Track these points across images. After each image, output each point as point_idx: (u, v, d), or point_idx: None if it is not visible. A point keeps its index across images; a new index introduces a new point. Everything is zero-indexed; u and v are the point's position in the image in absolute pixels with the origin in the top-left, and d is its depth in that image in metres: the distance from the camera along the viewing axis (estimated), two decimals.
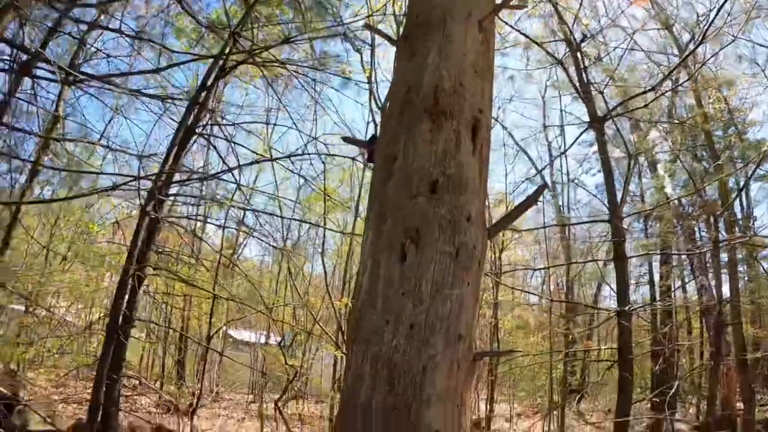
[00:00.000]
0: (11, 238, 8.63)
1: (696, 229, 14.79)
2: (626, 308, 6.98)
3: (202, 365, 11.47)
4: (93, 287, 11.26)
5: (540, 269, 11.80)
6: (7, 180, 10.46)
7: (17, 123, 8.44)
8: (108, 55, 8.65)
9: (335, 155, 8.23)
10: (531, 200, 2.69)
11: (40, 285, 9.37)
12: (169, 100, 7.24)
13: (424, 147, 2.49)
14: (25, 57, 7.81)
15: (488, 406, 14.06)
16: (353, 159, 8.15)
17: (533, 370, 16.53)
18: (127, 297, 6.13)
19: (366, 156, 2.72)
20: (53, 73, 8.70)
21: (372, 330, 2.30)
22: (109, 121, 9.05)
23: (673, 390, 10.76)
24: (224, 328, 14.37)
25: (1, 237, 8.97)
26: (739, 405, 11.42)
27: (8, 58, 7.76)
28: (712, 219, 12.30)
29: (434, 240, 2.29)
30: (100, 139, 8.49)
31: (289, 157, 7.14)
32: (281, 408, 7.91)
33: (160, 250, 7.88)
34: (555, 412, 13.07)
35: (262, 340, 14.65)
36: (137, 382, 12.13)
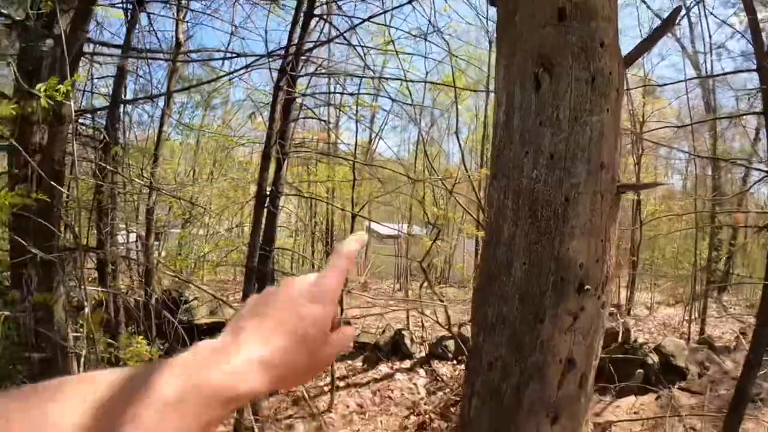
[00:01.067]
0: (158, 156, 9.41)
1: None
2: None
3: None
4: (240, 193, 12.07)
5: (683, 126, 10.84)
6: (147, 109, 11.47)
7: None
8: None
9: None
10: (667, 23, 2.49)
11: (192, 199, 10.22)
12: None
13: None
14: None
15: (628, 292, 13.77)
16: None
17: (676, 257, 15.90)
18: (271, 171, 6.45)
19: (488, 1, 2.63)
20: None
21: (511, 163, 2.31)
22: (230, 36, 9.32)
23: None
24: (367, 223, 15.06)
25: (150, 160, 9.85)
26: None
27: None
28: None
29: (568, 66, 2.19)
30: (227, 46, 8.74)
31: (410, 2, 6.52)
32: (425, 268, 8.23)
33: (297, 142, 8.20)
34: (696, 303, 12.57)
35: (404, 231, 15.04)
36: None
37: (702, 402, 8.23)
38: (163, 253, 12.09)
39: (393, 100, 8.27)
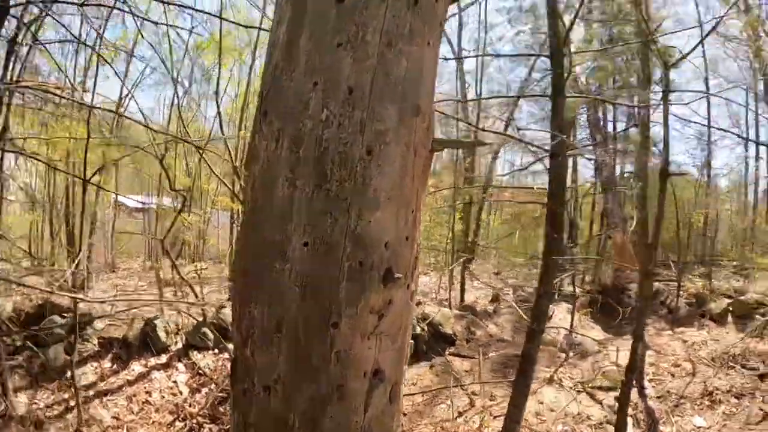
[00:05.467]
0: None
1: None
2: None
3: (90, 230, 10.34)
4: None
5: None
6: None
7: None
8: None
9: None
10: None
11: None
12: None
13: None
14: None
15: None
16: None
17: (429, 229, 16.66)
18: None
19: None
20: None
21: (292, 98, 1.59)
22: None
23: None
24: (114, 196, 13.11)
25: None
26: None
27: None
28: None
29: None
30: None
31: None
32: (167, 247, 7.17)
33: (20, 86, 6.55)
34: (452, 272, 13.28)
35: (154, 203, 13.60)
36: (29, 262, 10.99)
37: (475, 365, 8.65)
38: None
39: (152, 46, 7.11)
